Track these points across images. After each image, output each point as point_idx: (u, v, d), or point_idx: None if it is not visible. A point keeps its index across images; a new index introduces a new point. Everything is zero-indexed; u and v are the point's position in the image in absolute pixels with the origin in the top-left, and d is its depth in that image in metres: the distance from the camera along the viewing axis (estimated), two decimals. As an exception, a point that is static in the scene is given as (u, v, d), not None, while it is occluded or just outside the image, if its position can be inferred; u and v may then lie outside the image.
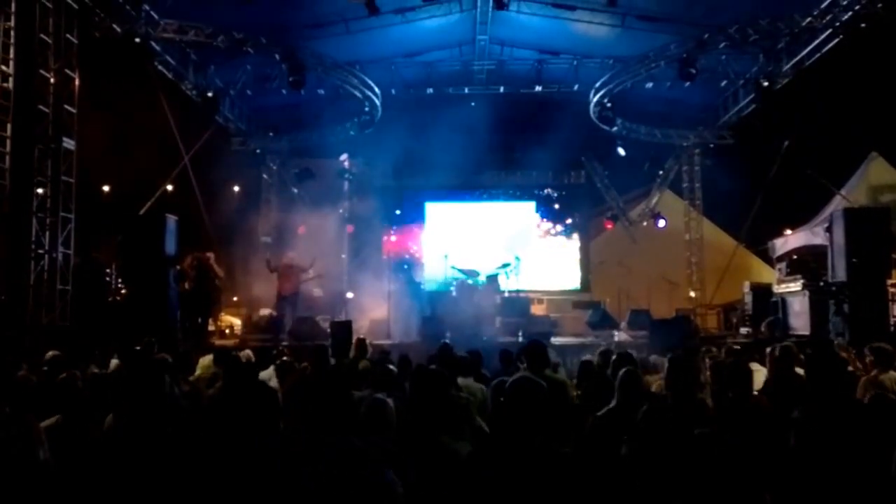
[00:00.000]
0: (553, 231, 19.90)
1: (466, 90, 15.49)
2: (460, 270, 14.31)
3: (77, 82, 10.78)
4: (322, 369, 5.70)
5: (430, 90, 15.10)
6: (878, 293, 10.97)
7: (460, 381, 5.49)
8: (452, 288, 14.43)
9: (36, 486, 3.02)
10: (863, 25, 11.23)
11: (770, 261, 16.58)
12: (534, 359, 5.12)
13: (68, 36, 10.69)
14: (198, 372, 6.78)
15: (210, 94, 13.98)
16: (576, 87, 14.93)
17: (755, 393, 4.50)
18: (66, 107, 10.61)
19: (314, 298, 14.94)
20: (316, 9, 13.13)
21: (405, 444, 3.16)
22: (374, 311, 14.66)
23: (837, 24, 11.47)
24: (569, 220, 19.91)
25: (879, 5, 11.09)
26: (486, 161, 19.18)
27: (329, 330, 11.34)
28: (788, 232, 15.84)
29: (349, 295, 15.84)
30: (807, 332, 11.57)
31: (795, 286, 12.17)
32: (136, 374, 3.21)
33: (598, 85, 14.40)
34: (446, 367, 5.45)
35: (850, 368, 6.07)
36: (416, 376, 3.58)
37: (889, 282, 11.60)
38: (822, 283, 11.59)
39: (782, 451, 3.48)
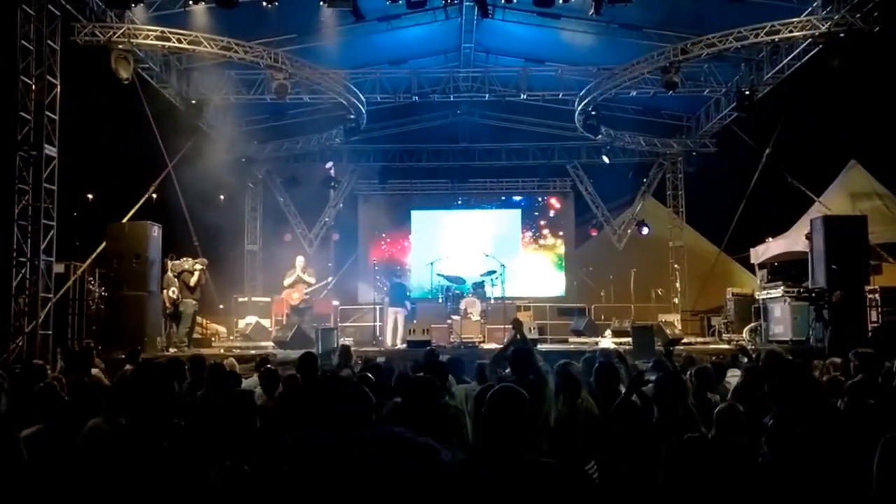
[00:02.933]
0: (538, 238, 19.98)
1: (452, 97, 15.53)
2: (446, 278, 14.32)
3: (59, 89, 10.71)
4: (312, 377, 5.66)
5: (416, 97, 15.12)
6: (857, 299, 11.13)
7: (464, 387, 5.47)
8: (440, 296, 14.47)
9: (17, 496, 2.99)
10: (841, 35, 11.43)
11: (751, 267, 16.75)
12: (518, 365, 5.11)
13: (50, 42, 10.61)
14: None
15: (194, 101, 13.92)
16: (561, 94, 15.03)
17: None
18: (48, 113, 10.52)
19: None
20: (301, 15, 13.14)
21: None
22: (361, 318, 14.66)
23: (816, 33, 11.66)
24: (554, 228, 20.00)
25: (858, 16, 11.31)
26: (471, 168, 19.26)
27: (314, 337, 11.33)
28: (769, 239, 16.00)
29: (335, 302, 15.82)
30: (788, 338, 11.72)
31: (776, 292, 12.33)
32: (146, 378, 3.20)
33: (582, 93, 14.51)
34: (435, 374, 5.46)
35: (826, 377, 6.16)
36: (407, 383, 3.57)
37: (867, 288, 11.78)
38: (802, 290, 11.74)
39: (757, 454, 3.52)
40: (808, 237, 12.04)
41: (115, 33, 11.54)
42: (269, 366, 6.60)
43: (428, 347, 9.33)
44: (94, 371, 7.40)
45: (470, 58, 15.95)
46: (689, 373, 5.43)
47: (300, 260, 14.08)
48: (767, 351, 5.69)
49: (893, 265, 14.91)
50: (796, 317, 11.71)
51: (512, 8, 13.39)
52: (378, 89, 15.04)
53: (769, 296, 12.64)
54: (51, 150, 10.53)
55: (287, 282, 13.69)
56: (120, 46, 11.51)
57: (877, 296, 12.63)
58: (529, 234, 19.95)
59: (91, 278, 12.32)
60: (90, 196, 17.70)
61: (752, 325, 13.23)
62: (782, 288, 12.16)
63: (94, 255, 12.19)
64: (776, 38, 12.01)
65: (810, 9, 11.99)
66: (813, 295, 11.21)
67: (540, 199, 20.10)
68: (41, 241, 10.31)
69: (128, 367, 7.38)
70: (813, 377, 4.89)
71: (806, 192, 15.19)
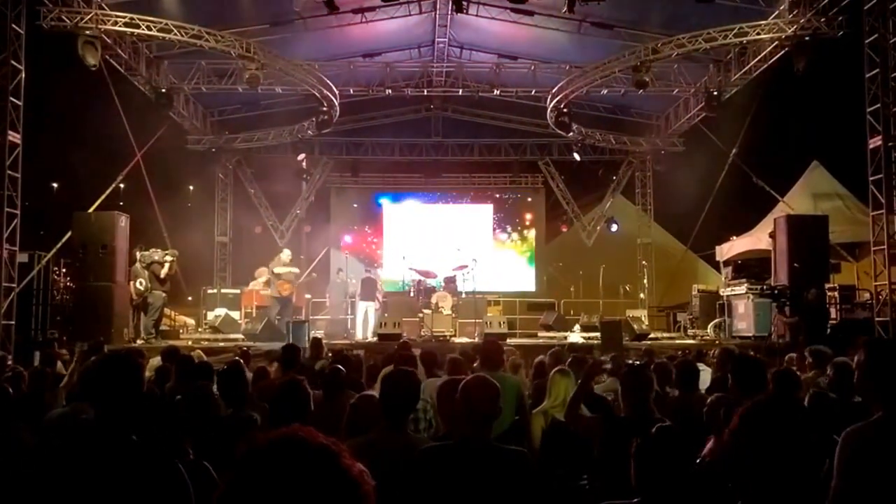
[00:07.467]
0: (509, 234, 20.10)
1: (425, 91, 15.53)
2: (418, 272, 14.34)
3: (23, 74, 10.48)
4: (293, 369, 5.69)
5: (389, 91, 15.09)
6: (818, 296, 11.44)
7: (433, 381, 5.51)
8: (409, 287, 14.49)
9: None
10: (806, 39, 11.72)
11: (716, 265, 17.08)
12: (488, 358, 5.19)
13: (14, 27, 10.38)
14: (148, 374, 6.69)
15: (164, 90, 13.72)
16: (533, 91, 15.13)
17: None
18: (13, 99, 10.30)
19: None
20: (275, 6, 13.02)
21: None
22: (333, 311, 14.62)
23: (783, 36, 11.95)
24: (525, 224, 20.15)
25: (823, 20, 11.61)
26: (444, 163, 19.28)
27: (285, 330, 11.29)
28: (734, 237, 16.33)
29: (307, 295, 15.75)
30: (750, 334, 12.00)
31: (740, 289, 12.59)
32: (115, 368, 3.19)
33: (554, 90, 14.62)
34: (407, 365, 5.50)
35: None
36: (393, 375, 3.59)
37: (827, 285, 12.11)
38: (765, 287, 12.02)
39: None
40: (772, 236, 12.33)
41: (82, 18, 11.30)
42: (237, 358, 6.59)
43: (402, 339, 9.38)
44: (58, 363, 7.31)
45: (444, 52, 15.96)
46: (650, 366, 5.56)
47: (287, 253, 14.00)
48: (721, 348, 5.87)
49: (852, 264, 15.37)
50: (759, 313, 11.97)
51: (486, 3, 13.42)
52: (351, 82, 14.98)
53: (733, 292, 12.91)
54: (15, 137, 10.31)
55: (278, 270, 13.55)
56: (87, 32, 11.28)
57: (836, 293, 13.02)
58: (501, 229, 20.06)
59: (56, 268, 12.10)
60: (55, 185, 17.34)
61: (717, 320, 13.50)
62: (746, 285, 12.43)
63: (59, 245, 11.97)
64: (744, 40, 12.27)
65: (777, 12, 12.26)
66: (775, 292, 11.50)
67: (511, 195, 20.22)
68: (4, 230, 10.12)
69: (93, 358, 7.28)
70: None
71: (770, 191, 15.52)
